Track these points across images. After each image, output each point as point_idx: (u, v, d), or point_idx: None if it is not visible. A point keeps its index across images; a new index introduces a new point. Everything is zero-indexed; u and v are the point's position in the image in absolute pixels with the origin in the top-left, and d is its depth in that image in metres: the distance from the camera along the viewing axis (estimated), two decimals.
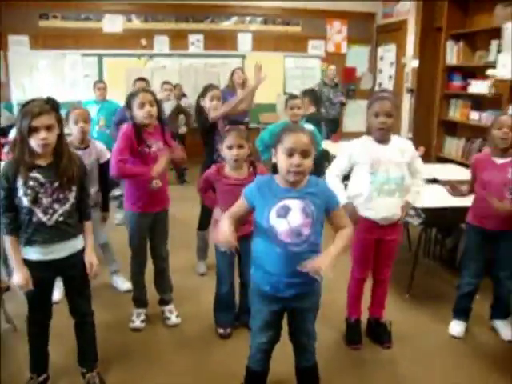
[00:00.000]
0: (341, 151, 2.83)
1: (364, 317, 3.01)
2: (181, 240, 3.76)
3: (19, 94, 7.41)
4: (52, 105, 2.16)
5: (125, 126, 2.95)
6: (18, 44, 7.49)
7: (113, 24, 7.77)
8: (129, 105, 2.86)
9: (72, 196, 2.24)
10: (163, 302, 3.21)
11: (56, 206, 2.19)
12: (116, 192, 5.35)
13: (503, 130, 2.78)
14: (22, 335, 2.45)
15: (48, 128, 2.10)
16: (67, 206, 2.23)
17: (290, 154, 1.92)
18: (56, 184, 2.19)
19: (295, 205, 1.96)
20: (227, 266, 2.92)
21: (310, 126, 4.25)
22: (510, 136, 2.79)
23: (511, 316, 3.05)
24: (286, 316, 2.21)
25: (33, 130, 2.08)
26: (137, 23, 7.90)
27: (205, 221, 3.74)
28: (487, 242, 2.92)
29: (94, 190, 3.31)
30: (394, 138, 2.74)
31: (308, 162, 1.95)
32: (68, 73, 7.71)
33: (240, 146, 2.72)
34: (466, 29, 5.92)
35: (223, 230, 1.95)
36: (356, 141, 2.78)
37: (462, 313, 3.07)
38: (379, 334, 2.94)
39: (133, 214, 2.98)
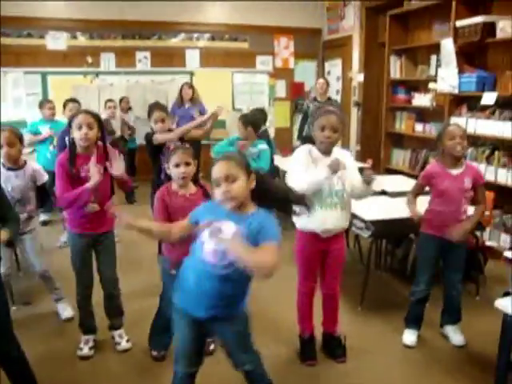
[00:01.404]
0: (292, 159, 2.80)
1: (318, 330, 2.99)
2: (133, 262, 3.66)
3: None
4: None
5: (60, 156, 2.86)
6: None
7: (56, 41, 7.57)
8: (69, 125, 2.79)
9: None
10: (113, 326, 3.09)
11: None
12: (42, 217, 5.20)
13: (456, 140, 2.84)
14: None
15: None
16: None
17: (217, 184, 1.94)
18: None
19: (228, 228, 1.92)
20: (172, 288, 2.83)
21: (263, 145, 4.28)
22: (463, 144, 2.86)
23: (460, 322, 3.12)
24: None
25: None
26: (82, 40, 7.73)
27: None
28: (441, 249, 2.99)
29: (28, 214, 3.22)
30: (335, 149, 2.76)
31: (237, 187, 1.92)
32: (9, 91, 7.44)
33: (187, 164, 2.68)
34: (408, 44, 6.14)
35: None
36: (302, 148, 2.77)
37: (414, 321, 3.10)
38: (333, 348, 2.94)
39: (72, 234, 2.92)
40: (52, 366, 2.46)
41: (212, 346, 2.92)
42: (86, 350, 2.95)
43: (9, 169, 3.12)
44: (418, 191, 3.13)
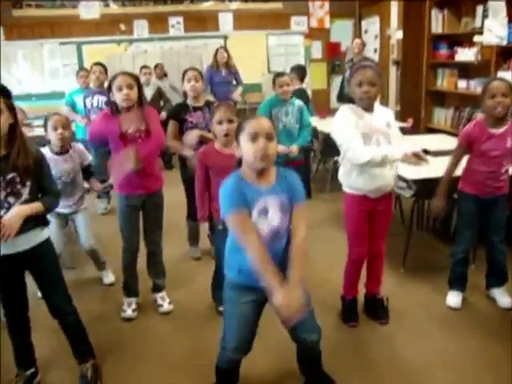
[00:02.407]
0: (340, 125, 2.63)
1: (360, 292, 2.94)
2: (171, 226, 3.68)
3: None
4: (1, 90, 2.04)
5: (104, 109, 2.92)
6: None
7: (89, 10, 7.56)
8: (109, 87, 2.79)
9: (25, 191, 2.11)
10: (156, 288, 3.14)
11: (11, 199, 2.09)
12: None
13: (497, 98, 2.67)
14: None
15: None
16: (22, 201, 2.11)
17: (255, 138, 1.86)
18: (9, 177, 2.07)
19: (272, 204, 1.90)
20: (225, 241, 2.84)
21: (299, 102, 4.19)
22: (506, 103, 2.68)
23: (508, 283, 3.01)
24: None
25: None
26: (114, 8, 7.71)
27: (193, 210, 3.66)
28: (481, 208, 2.88)
29: (79, 194, 3.28)
30: (377, 106, 2.66)
31: (273, 146, 1.89)
32: (47, 62, 7.52)
33: (230, 121, 2.65)
34: None
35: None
36: (344, 109, 2.66)
37: (458, 282, 3.02)
38: (376, 310, 2.90)
39: (119, 195, 2.94)
40: (96, 327, 2.52)
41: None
42: (129, 312, 3.01)
43: (56, 153, 3.12)
44: (459, 156, 2.93)
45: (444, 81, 6.03)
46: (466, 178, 2.92)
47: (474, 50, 5.29)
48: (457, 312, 2.94)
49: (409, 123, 5.53)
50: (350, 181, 2.69)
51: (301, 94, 4.86)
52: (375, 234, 2.78)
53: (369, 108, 2.60)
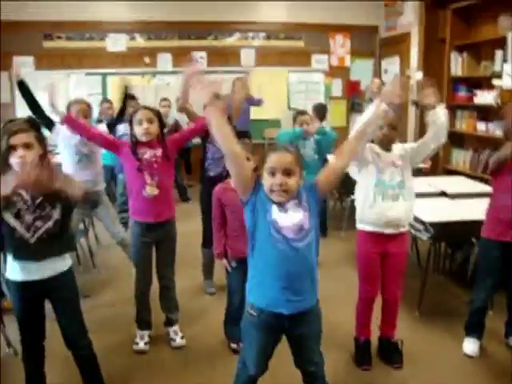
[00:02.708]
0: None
1: (374, 333, 2.91)
2: (185, 258, 3.70)
3: (23, 114, 7.41)
4: (32, 124, 2.14)
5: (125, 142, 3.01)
6: (23, 65, 7.49)
7: (116, 43, 7.79)
8: (130, 122, 2.87)
9: (56, 213, 2.18)
10: (169, 322, 3.14)
11: (38, 223, 2.14)
12: None
13: None
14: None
15: (26, 146, 2.08)
16: (50, 224, 2.16)
17: (273, 173, 1.90)
18: (38, 201, 2.14)
19: (292, 203, 1.95)
20: (239, 280, 2.83)
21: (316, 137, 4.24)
22: None
23: None
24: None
25: (11, 148, 2.06)
26: (140, 41, 7.92)
27: (209, 238, 3.69)
28: (504, 254, 2.80)
29: (96, 171, 3.46)
30: (395, 146, 2.77)
31: (293, 182, 1.92)
32: (72, 92, 7.72)
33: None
34: (470, 39, 5.89)
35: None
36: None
37: (475, 329, 2.96)
38: (390, 353, 2.86)
39: (133, 221, 2.98)
40: (107, 358, 2.52)
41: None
42: (141, 345, 3.01)
43: None
44: None
45: (463, 123, 6.05)
46: (490, 223, 2.86)
47: (494, 93, 5.32)
48: (473, 360, 2.88)
49: (427, 164, 5.52)
50: (363, 215, 2.72)
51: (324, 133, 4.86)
52: (388, 279, 2.77)
53: (388, 147, 2.73)
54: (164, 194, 2.90)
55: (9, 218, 2.11)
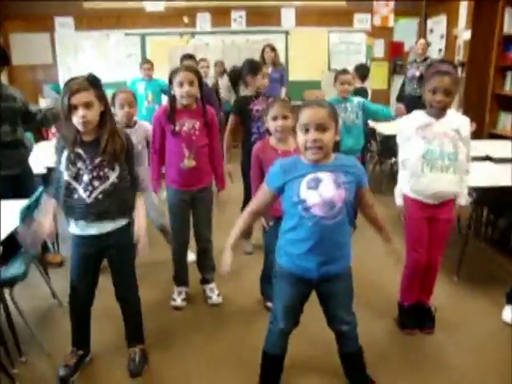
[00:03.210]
0: (401, 135, 2.68)
1: None
2: (225, 219, 3.72)
3: (65, 75, 7.53)
4: (92, 82, 2.13)
5: (158, 111, 2.97)
6: (63, 26, 7.59)
7: (154, 3, 7.73)
8: (170, 81, 2.83)
9: (114, 175, 2.21)
10: (205, 280, 3.19)
11: (96, 183, 2.17)
12: None
13: None
14: (67, 310, 2.48)
15: (87, 105, 2.09)
16: (107, 185, 2.19)
17: (306, 129, 1.86)
18: (97, 161, 2.17)
19: (326, 176, 1.89)
20: (276, 239, 2.85)
21: (358, 99, 4.12)
22: None
23: None
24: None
25: (72, 108, 2.08)
26: (178, 1, 7.82)
27: (248, 202, 3.70)
28: None
29: (143, 168, 3.30)
30: (450, 112, 2.55)
31: (327, 137, 1.86)
32: (112, 53, 7.77)
33: (284, 117, 2.65)
34: None
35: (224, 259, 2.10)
36: (407, 117, 2.65)
37: None
38: (422, 318, 2.80)
39: (169, 188, 2.99)
40: (146, 313, 2.58)
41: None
42: (179, 301, 3.08)
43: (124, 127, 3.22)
44: None
45: None
46: None
47: None
48: (511, 328, 2.81)
49: (472, 128, 5.33)
50: (410, 183, 2.63)
51: (361, 92, 4.80)
52: (433, 243, 2.68)
53: (439, 115, 2.52)
54: (202, 164, 2.89)
55: (66, 176, 2.16)
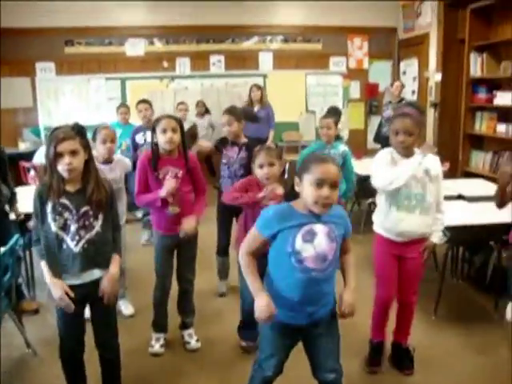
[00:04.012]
0: (378, 159, 2.69)
1: (388, 339, 2.89)
2: (203, 260, 3.72)
3: (46, 119, 7.57)
4: (78, 130, 2.17)
5: (143, 153, 3.04)
6: (44, 70, 7.67)
7: (135, 47, 7.90)
8: (153, 129, 2.88)
9: (98, 224, 2.22)
10: (184, 325, 3.16)
11: (82, 232, 2.18)
12: (138, 214, 5.40)
13: None
14: (42, 360, 2.43)
15: (72, 153, 2.11)
16: (92, 234, 2.20)
17: (320, 185, 1.85)
18: (82, 210, 2.18)
19: (320, 230, 1.91)
20: None
21: (344, 148, 4.18)
22: None
23: None
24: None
25: (58, 156, 2.10)
26: (159, 46, 8.00)
27: (223, 246, 3.79)
28: None
29: (121, 207, 3.29)
30: (416, 152, 2.59)
31: (336, 194, 1.89)
32: (92, 97, 7.85)
33: (271, 164, 2.70)
34: (490, 39, 5.82)
35: (261, 304, 1.88)
36: (384, 151, 2.71)
37: None
38: (401, 359, 2.82)
39: (157, 233, 3.02)
40: (123, 360, 2.54)
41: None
42: (157, 348, 3.04)
43: (101, 163, 3.25)
44: None
45: (483, 124, 5.97)
46: None
47: None
48: (487, 366, 2.81)
49: (445, 167, 5.46)
50: (379, 221, 2.69)
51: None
52: (403, 282, 2.72)
53: (406, 155, 2.58)
54: (186, 209, 2.91)
55: (54, 228, 2.15)
